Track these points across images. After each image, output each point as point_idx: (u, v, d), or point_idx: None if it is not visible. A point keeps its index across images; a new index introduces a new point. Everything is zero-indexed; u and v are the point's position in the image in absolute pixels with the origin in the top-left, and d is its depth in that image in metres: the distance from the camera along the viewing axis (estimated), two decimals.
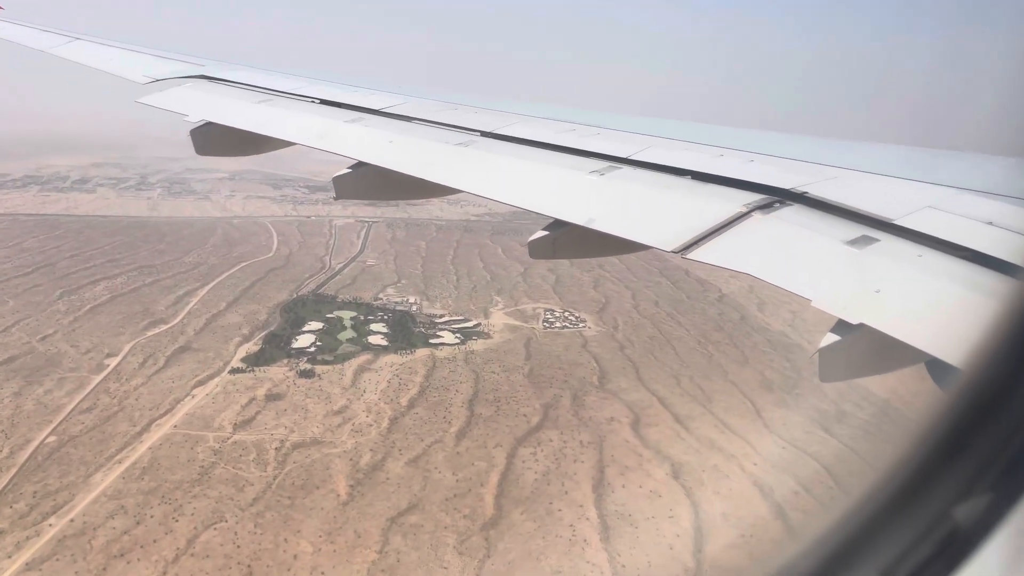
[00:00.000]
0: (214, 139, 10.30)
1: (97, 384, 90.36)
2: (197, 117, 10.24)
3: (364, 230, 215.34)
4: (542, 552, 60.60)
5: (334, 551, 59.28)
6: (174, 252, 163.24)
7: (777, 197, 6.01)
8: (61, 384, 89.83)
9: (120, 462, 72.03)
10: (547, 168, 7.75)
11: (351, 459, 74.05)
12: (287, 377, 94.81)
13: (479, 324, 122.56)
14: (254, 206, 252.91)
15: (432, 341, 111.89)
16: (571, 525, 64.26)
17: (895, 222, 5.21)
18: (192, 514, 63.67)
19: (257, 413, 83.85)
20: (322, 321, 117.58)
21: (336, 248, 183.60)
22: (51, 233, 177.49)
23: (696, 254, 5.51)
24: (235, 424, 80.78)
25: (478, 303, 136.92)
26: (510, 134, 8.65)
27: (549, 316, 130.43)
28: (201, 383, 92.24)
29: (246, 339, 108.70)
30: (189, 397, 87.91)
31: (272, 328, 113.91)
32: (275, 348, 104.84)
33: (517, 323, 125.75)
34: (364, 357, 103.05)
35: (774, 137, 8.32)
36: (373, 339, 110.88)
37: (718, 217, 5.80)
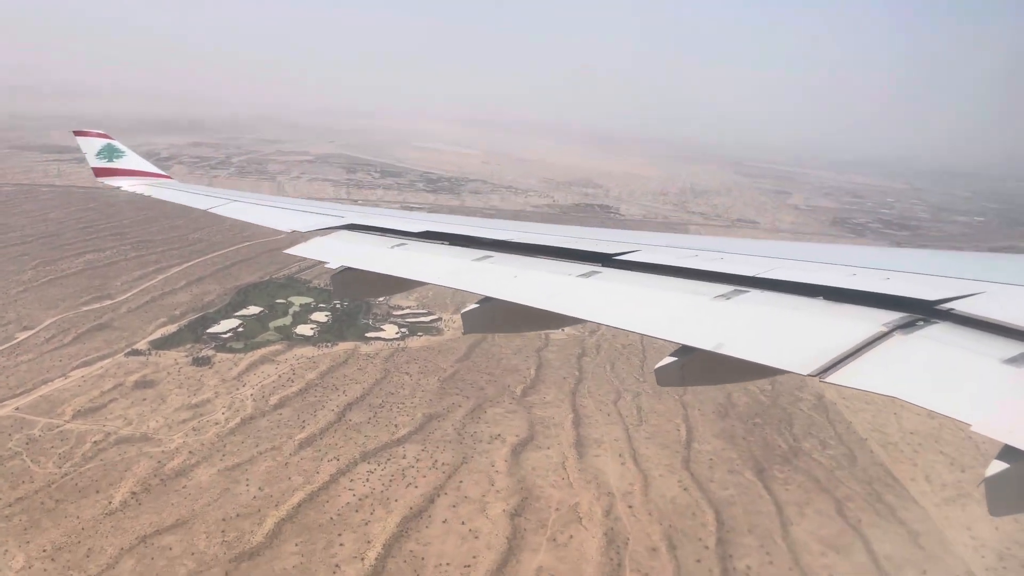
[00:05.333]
0: (351, 283, 10.62)
1: None
2: (337, 264, 10.64)
3: None
4: None
5: (44, 571, 51.20)
6: (187, 229, 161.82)
7: (920, 315, 5.77)
8: None
9: None
10: (671, 294, 7.58)
11: (160, 461, 66.02)
12: (177, 363, 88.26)
13: (439, 319, 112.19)
14: (312, 187, 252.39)
15: (368, 335, 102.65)
16: (337, 566, 53.28)
17: None
18: None
19: (111, 401, 77.49)
20: (266, 306, 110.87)
21: None
22: (85, 206, 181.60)
23: (835, 377, 5.18)
24: (78, 411, 74.65)
25: (464, 297, 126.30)
26: (632, 260, 8.80)
27: None
28: (88, 364, 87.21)
29: (173, 320, 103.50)
30: (62, 378, 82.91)
31: (210, 310, 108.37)
32: (191, 331, 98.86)
33: None
34: (275, 347, 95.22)
35: (911, 254, 8.74)
36: (303, 328, 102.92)
37: (856, 338, 5.53)
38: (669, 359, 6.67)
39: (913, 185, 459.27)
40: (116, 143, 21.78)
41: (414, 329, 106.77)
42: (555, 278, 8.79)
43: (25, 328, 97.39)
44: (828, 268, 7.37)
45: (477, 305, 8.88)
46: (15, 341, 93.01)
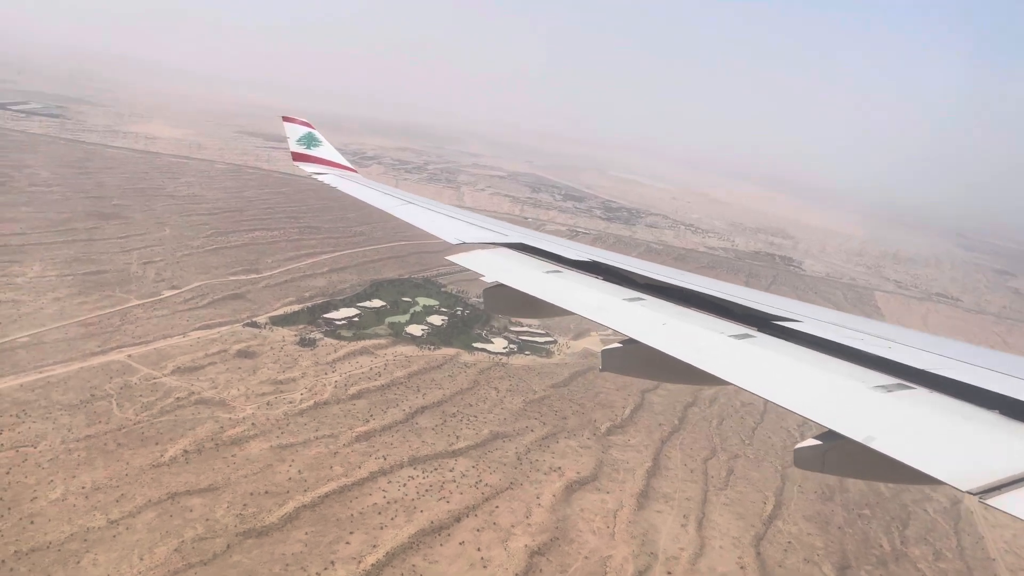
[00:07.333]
0: (502, 299, 11.05)
1: (127, 307, 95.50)
2: (491, 279, 11.09)
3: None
4: None
5: (73, 506, 54.06)
6: (355, 221, 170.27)
7: None
8: (102, 300, 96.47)
9: (40, 372, 74.20)
10: (828, 374, 7.13)
11: (223, 427, 68.37)
12: (284, 340, 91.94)
13: (553, 342, 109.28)
14: (492, 201, 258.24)
15: (475, 345, 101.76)
16: (332, 562, 51.86)
17: None
18: (16, 431, 62.75)
19: (210, 364, 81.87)
20: (390, 301, 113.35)
21: None
22: (277, 189, 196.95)
23: (998, 501, 4.68)
24: (178, 368, 79.50)
25: (589, 326, 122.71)
26: (791, 328, 8.43)
27: None
28: (208, 327, 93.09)
29: (301, 301, 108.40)
30: (181, 336, 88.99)
31: (337, 297, 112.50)
32: (310, 313, 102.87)
33: None
34: (380, 341, 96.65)
35: None
36: (414, 328, 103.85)
37: None
38: (812, 442, 6.37)
39: None
40: (316, 133, 23.26)
41: (523, 347, 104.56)
42: (706, 333, 8.47)
43: (173, 287, 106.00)
44: (1011, 380, 6.72)
45: (620, 345, 8.66)
46: (159, 297, 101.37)
